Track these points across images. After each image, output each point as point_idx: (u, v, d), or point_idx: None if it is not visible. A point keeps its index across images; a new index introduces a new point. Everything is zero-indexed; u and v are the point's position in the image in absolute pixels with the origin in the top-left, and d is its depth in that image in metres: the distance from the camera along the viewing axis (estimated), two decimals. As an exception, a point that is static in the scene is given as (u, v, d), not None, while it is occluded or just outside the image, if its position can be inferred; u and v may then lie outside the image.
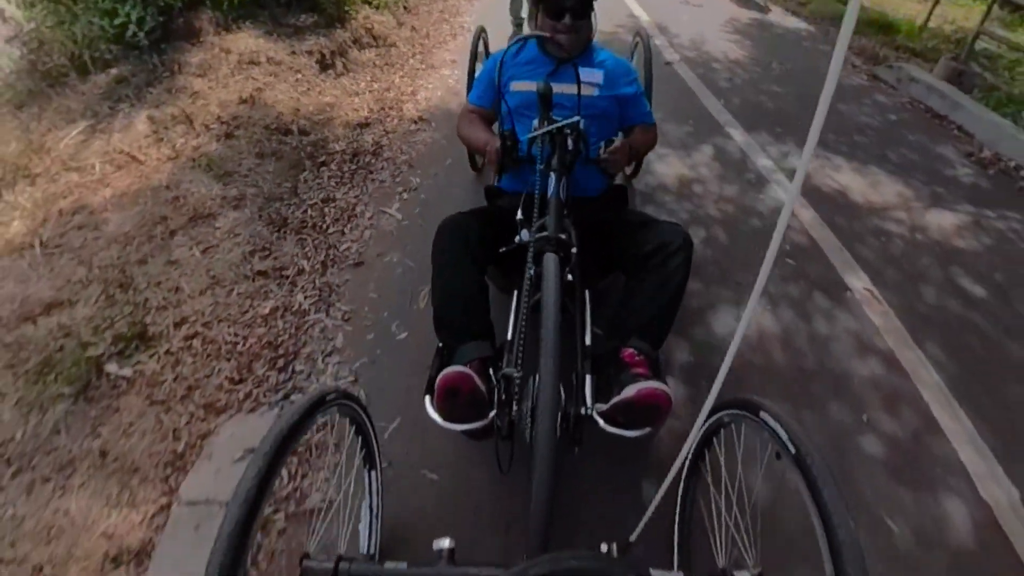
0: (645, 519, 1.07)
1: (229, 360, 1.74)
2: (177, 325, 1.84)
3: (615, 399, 1.20)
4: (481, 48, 2.51)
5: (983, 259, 2.33)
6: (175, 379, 1.69)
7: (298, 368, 1.72)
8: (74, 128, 2.82)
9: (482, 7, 5.17)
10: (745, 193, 2.58)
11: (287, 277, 2.06)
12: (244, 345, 1.79)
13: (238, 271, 2.05)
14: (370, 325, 1.84)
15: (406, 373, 1.68)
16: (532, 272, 1.23)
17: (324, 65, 3.72)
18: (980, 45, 4.20)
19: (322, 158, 2.77)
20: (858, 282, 2.10)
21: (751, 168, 2.79)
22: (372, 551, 1.21)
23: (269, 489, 0.75)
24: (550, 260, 1.21)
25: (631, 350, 1.33)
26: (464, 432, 1.24)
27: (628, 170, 2.49)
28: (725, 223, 2.38)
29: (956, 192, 2.79)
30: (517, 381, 1.13)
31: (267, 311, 1.90)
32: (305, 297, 1.96)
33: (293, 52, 3.63)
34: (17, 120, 2.94)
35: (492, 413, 1.21)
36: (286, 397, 1.63)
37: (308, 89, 3.37)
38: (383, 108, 3.33)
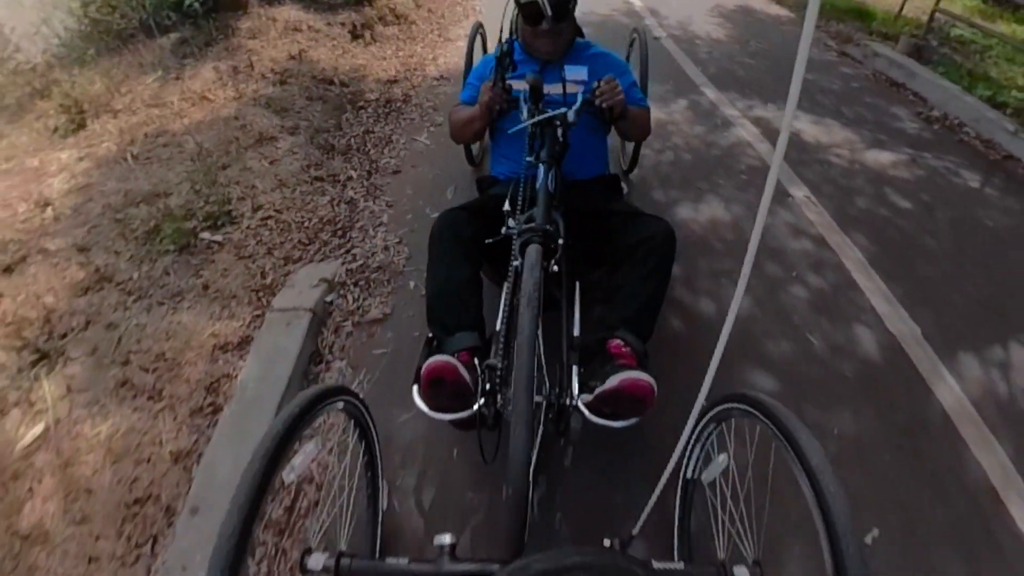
0: (645, 513, 1.09)
1: (298, 232, 2.23)
2: (255, 210, 2.32)
3: (599, 389, 1.21)
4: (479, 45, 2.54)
5: (912, 184, 2.80)
6: (257, 243, 2.17)
7: (353, 236, 2.21)
8: (149, 76, 3.33)
9: (493, -6, 5.69)
10: (711, 132, 3.07)
11: (339, 181, 2.55)
12: (309, 223, 2.28)
13: (299, 177, 2.54)
14: (408, 209, 2.33)
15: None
16: (517, 263, 1.25)
17: (355, 35, 4.23)
18: (956, 31, 4.68)
19: (360, 104, 3.27)
20: (799, 192, 2.58)
21: (719, 115, 3.27)
22: (374, 546, 1.21)
23: (270, 487, 0.73)
24: (532, 250, 1.21)
25: (618, 341, 1.34)
26: (450, 422, 1.25)
27: (624, 164, 2.57)
28: (691, 151, 2.86)
29: (899, 139, 3.27)
30: (499, 371, 1.15)
31: (325, 202, 2.39)
32: (355, 193, 2.46)
33: (328, 24, 4.15)
34: (98, 68, 3.45)
35: (477, 404, 1.21)
36: (347, 252, 2.12)
37: (343, 53, 3.88)
38: (408, 69, 3.84)
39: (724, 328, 0.81)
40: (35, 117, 3.13)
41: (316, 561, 0.86)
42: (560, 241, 1.31)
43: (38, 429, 1.48)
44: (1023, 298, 2.11)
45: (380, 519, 1.23)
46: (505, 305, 1.27)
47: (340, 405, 1.00)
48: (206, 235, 2.20)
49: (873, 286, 2.11)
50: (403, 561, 0.84)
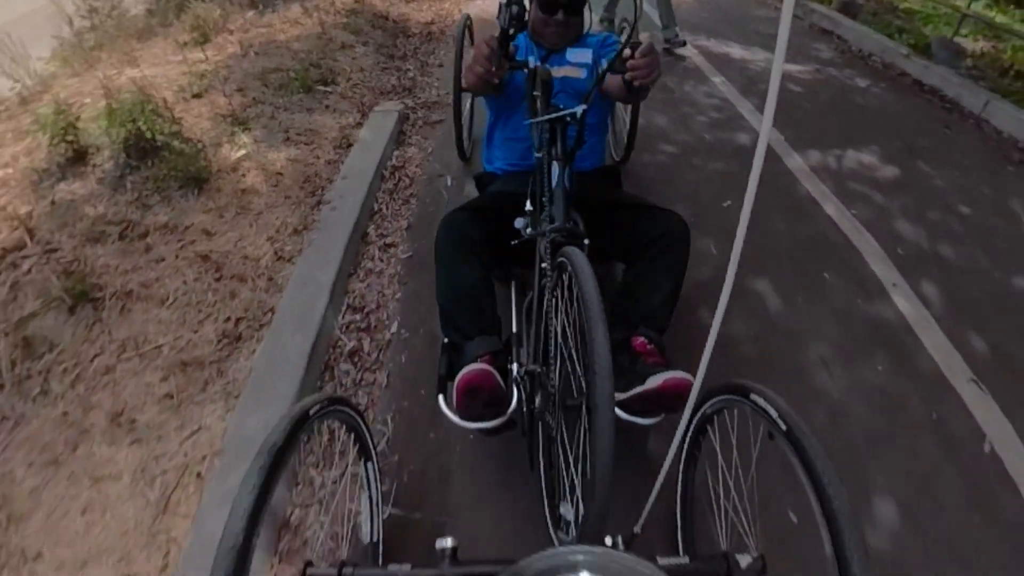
0: (647, 509, 1.11)
1: (377, 90, 3.33)
2: (348, 79, 3.42)
3: (638, 389, 1.22)
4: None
5: (809, 81, 3.84)
6: (354, 93, 3.26)
7: (415, 91, 3.31)
8: (250, 11, 4.48)
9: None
10: (666, 55, 4.16)
11: (401, 70, 3.66)
12: (386, 87, 3.38)
13: (373, 67, 3.65)
14: (449, 80, 3.43)
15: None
16: (544, 265, 1.23)
17: (399, -5, 5.39)
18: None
19: (408, 34, 4.40)
20: (717, 78, 3.66)
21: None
22: (376, 554, 1.21)
23: (267, 505, 0.72)
24: (575, 253, 1.11)
25: (642, 339, 1.35)
26: (482, 430, 1.24)
27: (617, 155, 2.59)
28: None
29: (812, 60, 4.31)
30: (539, 376, 1.15)
31: (394, 79, 3.50)
32: (413, 75, 3.57)
33: (379, -15, 5.31)
34: (213, 3, 4.61)
35: (511, 409, 1.21)
36: (413, 97, 3.21)
37: (391, 6, 5.03)
38: (440, 18, 4.97)
39: (714, 323, 0.83)
40: (166, 37, 4.28)
41: (318, 572, 0.85)
42: (586, 241, 1.29)
43: (241, 152, 2.55)
44: (863, 130, 3.14)
45: (380, 527, 1.22)
46: (519, 307, 1.26)
47: (335, 415, 0.99)
48: (320, 87, 3.30)
49: (756, 120, 3.16)
50: (405, 567, 0.83)
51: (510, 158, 1.82)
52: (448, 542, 0.84)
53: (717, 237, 2.24)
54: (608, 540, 0.83)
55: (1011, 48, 4.58)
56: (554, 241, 1.25)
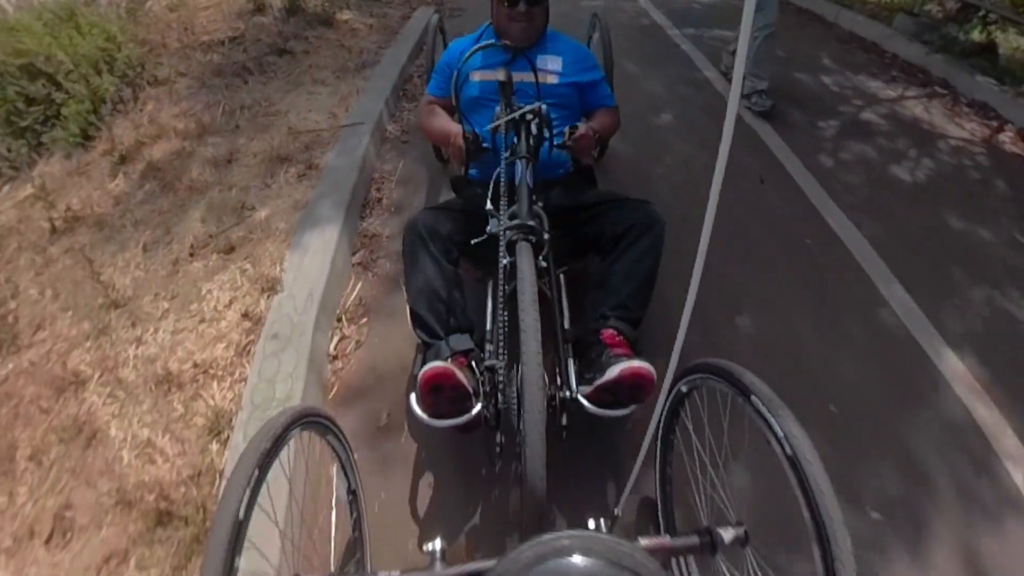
0: (626, 493, 1.15)
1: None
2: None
3: (599, 381, 1.25)
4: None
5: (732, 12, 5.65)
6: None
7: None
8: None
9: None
10: (631, 18, 6.00)
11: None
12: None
13: None
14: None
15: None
16: (506, 261, 1.28)
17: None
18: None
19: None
20: (660, 19, 5.49)
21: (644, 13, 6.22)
22: (363, 563, 1.20)
23: (247, 523, 0.71)
24: (523, 248, 1.21)
25: (610, 331, 1.38)
26: (451, 427, 1.27)
27: (594, 154, 2.62)
28: (617, 19, 5.79)
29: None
30: (501, 371, 1.19)
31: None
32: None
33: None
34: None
35: (478, 406, 1.24)
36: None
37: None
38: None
39: (686, 308, 0.86)
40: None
41: None
42: (546, 236, 1.32)
43: (347, 16, 4.37)
44: (730, 23, 4.92)
45: (366, 535, 1.22)
46: (494, 304, 1.32)
47: (311, 427, 0.99)
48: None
49: (677, 34, 4.92)
50: (395, 574, 0.81)
51: (487, 168, 1.73)
52: (437, 544, 0.83)
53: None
54: (591, 524, 0.85)
55: None
56: (512, 238, 1.29)
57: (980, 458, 1.61)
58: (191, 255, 2.10)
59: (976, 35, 4.32)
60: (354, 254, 2.24)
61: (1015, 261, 2.32)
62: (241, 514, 0.70)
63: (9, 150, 2.71)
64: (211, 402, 1.59)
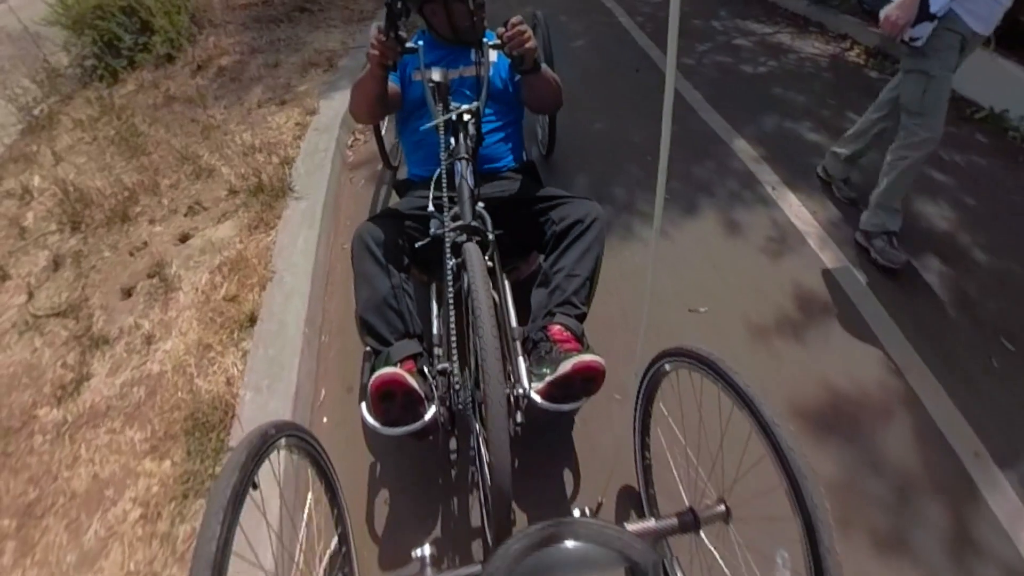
0: (608, 479, 1.19)
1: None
2: None
3: (551, 376, 1.27)
4: None
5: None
6: None
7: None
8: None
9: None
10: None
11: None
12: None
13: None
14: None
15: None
16: (453, 263, 1.27)
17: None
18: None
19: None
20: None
21: None
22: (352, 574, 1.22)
23: (230, 546, 0.70)
24: (471, 249, 1.20)
25: (558, 327, 1.41)
26: (406, 434, 1.27)
27: (544, 145, 2.73)
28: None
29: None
30: (455, 374, 1.20)
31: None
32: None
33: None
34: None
35: (432, 411, 1.24)
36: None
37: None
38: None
39: (645, 296, 0.93)
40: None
41: None
42: (490, 236, 1.34)
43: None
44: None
45: (353, 546, 1.22)
46: (441, 307, 1.33)
47: (287, 443, 0.97)
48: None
49: (630, 23, 6.13)
50: None
51: (424, 164, 1.77)
52: (425, 550, 0.83)
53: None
54: (576, 511, 0.88)
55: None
56: (458, 239, 1.29)
57: (746, 184, 2.72)
58: (259, 106, 3.25)
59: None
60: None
61: (815, 109, 3.43)
62: (223, 542, 0.68)
63: (111, 64, 3.87)
64: (283, 154, 2.75)
